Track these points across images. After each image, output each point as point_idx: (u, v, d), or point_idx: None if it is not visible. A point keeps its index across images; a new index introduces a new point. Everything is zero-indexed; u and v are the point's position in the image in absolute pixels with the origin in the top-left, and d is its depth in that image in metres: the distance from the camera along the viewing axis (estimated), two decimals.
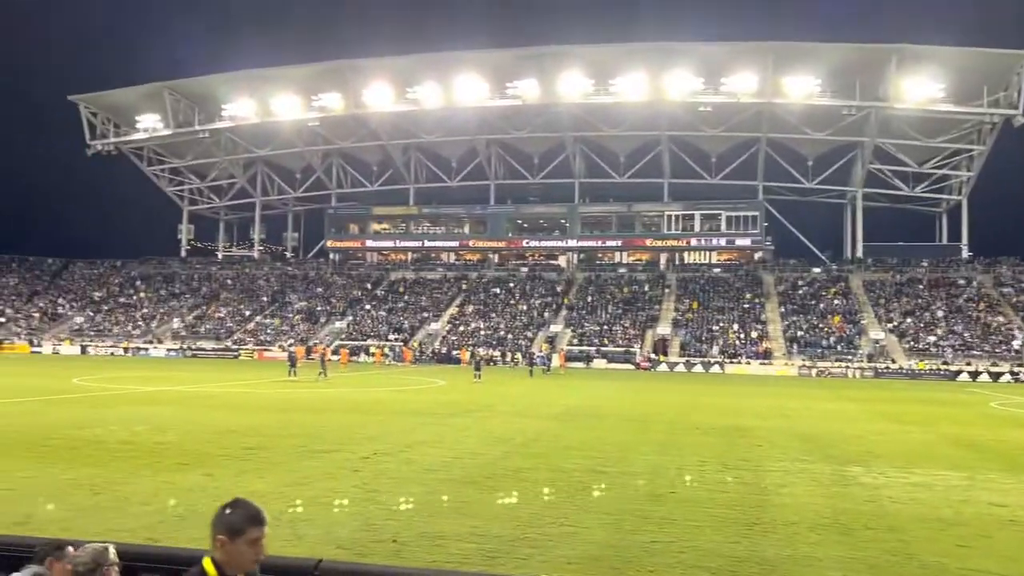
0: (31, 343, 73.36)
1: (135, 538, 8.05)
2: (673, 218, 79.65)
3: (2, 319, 79.87)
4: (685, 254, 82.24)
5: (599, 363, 62.63)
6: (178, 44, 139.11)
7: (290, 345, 62.87)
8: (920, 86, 68.08)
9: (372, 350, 65.10)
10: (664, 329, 67.54)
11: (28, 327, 78.16)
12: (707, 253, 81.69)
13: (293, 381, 37.26)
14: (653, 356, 63.19)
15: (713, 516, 10.59)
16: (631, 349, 64.89)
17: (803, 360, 60.14)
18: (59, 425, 18.73)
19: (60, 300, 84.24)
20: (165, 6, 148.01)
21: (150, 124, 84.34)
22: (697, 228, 79.12)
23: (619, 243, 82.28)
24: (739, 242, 78.46)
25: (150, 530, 9.08)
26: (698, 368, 59.93)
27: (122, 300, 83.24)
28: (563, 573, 7.87)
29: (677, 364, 61.20)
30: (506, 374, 50.37)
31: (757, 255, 79.76)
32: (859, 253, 78.31)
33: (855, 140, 75.35)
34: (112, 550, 4.28)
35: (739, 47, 70.59)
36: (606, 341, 66.34)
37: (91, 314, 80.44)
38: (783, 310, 68.91)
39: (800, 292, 71.95)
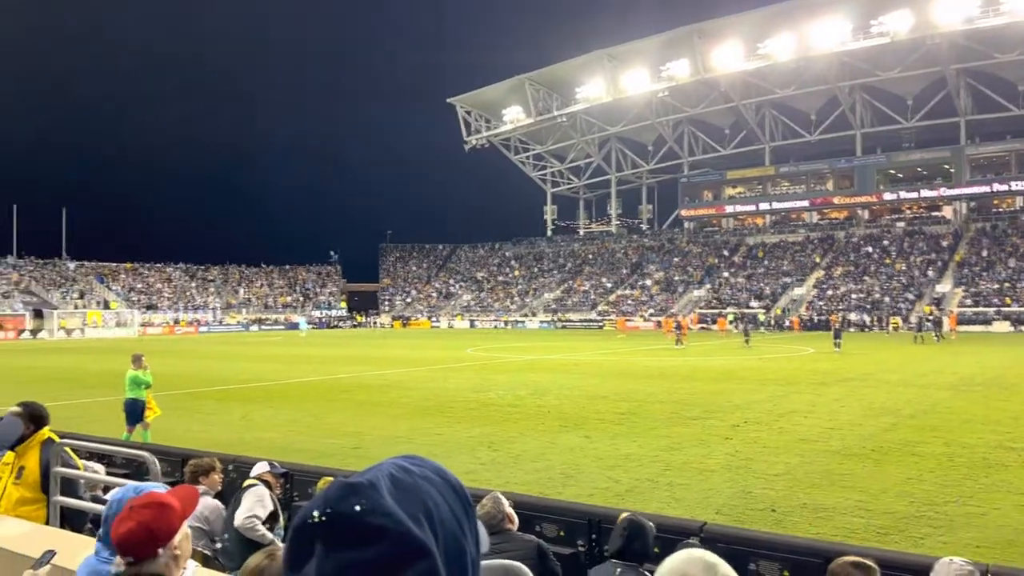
0: (430, 319, 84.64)
1: (529, 491, 8.91)
2: None
3: (409, 299, 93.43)
4: None
5: (1001, 326, 54.49)
6: (532, 35, 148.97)
7: (672, 315, 64.21)
8: None
9: (730, 316, 63.77)
10: None
11: (428, 306, 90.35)
12: None
13: (679, 350, 38.20)
14: None
15: None
16: None
17: None
18: (460, 389, 21.40)
19: (451, 281, 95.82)
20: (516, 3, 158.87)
21: (514, 115, 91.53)
22: None
23: (1021, 186, 70.27)
24: None
25: (541, 484, 10.00)
26: None
27: (500, 279, 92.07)
28: (972, 557, 7.07)
29: None
30: (882, 341, 46.20)
31: None
32: None
33: None
34: (503, 498, 4.81)
35: None
36: (1009, 300, 57.36)
37: (476, 292, 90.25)
38: None
39: None
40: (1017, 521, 8.27)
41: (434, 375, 26.11)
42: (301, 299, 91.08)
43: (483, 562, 0.92)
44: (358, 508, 0.82)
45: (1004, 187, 70.88)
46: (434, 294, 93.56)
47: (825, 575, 3.42)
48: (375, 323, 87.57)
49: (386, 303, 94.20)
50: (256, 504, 5.64)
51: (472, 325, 79.60)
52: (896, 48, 68.42)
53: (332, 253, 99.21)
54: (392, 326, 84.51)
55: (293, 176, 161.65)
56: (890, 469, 10.79)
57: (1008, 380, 22.43)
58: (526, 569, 2.43)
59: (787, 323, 61.98)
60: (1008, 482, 9.99)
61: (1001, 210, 72.83)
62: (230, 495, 6.14)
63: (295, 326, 77.91)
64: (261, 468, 6.17)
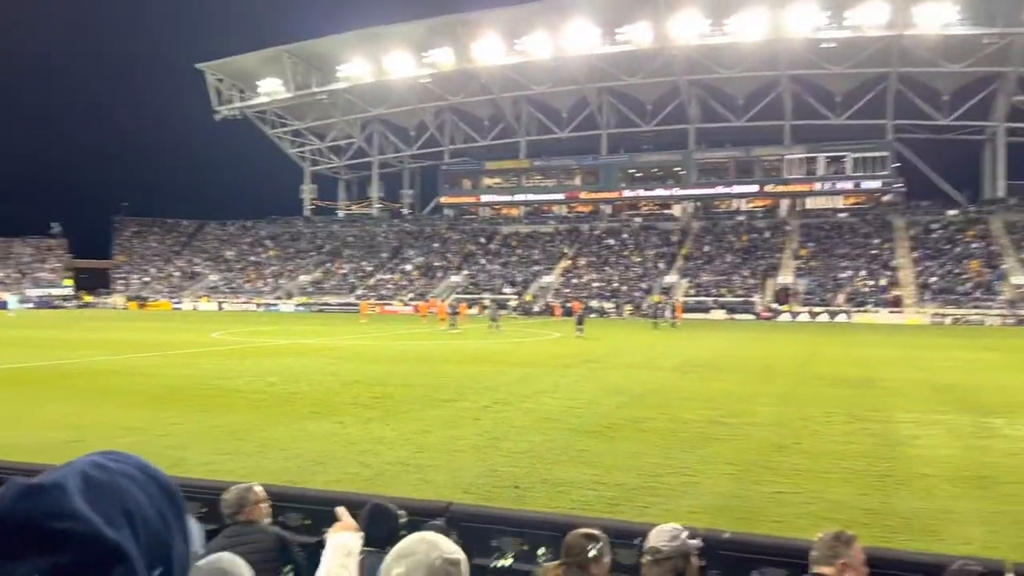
0: (172, 301, 78.66)
1: (277, 480, 8.55)
2: (795, 162, 76.19)
3: (147, 279, 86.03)
4: (808, 199, 78.77)
5: (717, 314, 61.37)
6: (294, 6, 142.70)
7: (429, 300, 64.58)
8: None
9: (486, 303, 65.83)
10: (786, 278, 65.27)
11: (169, 285, 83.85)
12: (832, 198, 77.97)
13: (454, 334, 38.67)
14: (774, 306, 61.30)
15: (842, 467, 10.30)
16: (751, 299, 63.18)
17: (936, 308, 56.85)
18: (203, 376, 20.09)
19: (196, 260, 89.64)
20: None
21: (272, 88, 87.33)
22: (821, 171, 75.44)
23: (737, 190, 79.61)
24: (866, 185, 74.30)
25: (289, 473, 9.67)
26: (823, 318, 57.71)
27: (252, 259, 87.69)
28: (686, 522, 7.86)
29: (800, 314, 59.14)
30: (620, 326, 50.14)
31: (886, 198, 75.42)
32: (1000, 192, 72.66)
33: (996, 71, 69.39)
34: (258, 488, 4.60)
35: None
36: (724, 291, 64.80)
37: (225, 272, 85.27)
38: (915, 255, 65.12)
39: (934, 236, 67.69)
40: (726, 488, 9.33)
41: (174, 361, 24.31)
42: (17, 276, 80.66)
43: (199, 562, 0.87)
44: (38, 511, 0.73)
45: (724, 190, 79.87)
46: (177, 273, 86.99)
47: (561, 547, 3.60)
48: (106, 303, 79.74)
49: (121, 282, 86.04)
50: None
51: (220, 307, 75.13)
52: (639, 56, 74.39)
53: (53, 225, 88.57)
54: (127, 307, 77.44)
55: (5, 137, 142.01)
56: (621, 444, 11.72)
57: (721, 362, 25.29)
58: (240, 561, 2.30)
59: (536, 308, 65.19)
60: (719, 453, 11.24)
61: (721, 211, 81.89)
62: None
63: (3, 305, 68.95)
64: None
